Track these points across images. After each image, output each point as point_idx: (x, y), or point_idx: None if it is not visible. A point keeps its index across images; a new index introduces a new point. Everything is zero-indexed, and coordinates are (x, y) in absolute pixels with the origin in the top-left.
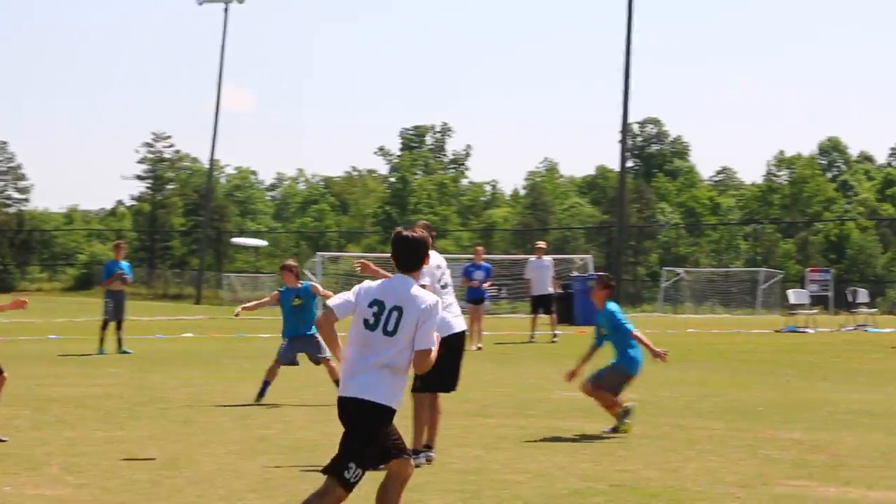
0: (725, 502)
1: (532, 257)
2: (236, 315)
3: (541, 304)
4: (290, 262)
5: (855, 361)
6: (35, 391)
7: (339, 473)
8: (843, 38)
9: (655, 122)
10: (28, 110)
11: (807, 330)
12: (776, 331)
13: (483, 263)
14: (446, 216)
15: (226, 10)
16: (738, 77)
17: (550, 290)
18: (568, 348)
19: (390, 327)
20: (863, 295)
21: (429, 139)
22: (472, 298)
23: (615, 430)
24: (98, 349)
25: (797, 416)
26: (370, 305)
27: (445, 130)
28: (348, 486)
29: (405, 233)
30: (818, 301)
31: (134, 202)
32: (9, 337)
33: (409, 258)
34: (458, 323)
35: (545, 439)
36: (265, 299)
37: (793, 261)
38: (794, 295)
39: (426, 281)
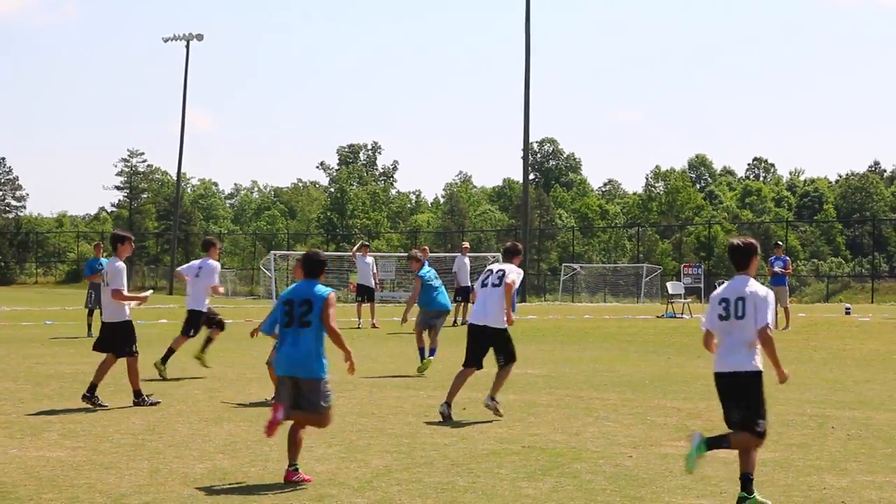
0: (620, 460)
1: (459, 254)
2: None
3: (460, 294)
4: (416, 251)
5: None
6: (35, 369)
7: (752, 430)
8: (707, 69)
9: (552, 141)
10: (23, 130)
11: (683, 316)
12: (657, 316)
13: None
14: (378, 221)
15: (187, 46)
16: (621, 103)
17: (470, 283)
18: None
19: (739, 313)
20: None
21: (362, 155)
22: None
23: None
24: (87, 333)
25: (677, 388)
26: (719, 303)
27: (376, 148)
28: (763, 436)
29: (736, 241)
30: (692, 291)
31: (114, 208)
32: (11, 322)
33: (740, 260)
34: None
35: (467, 409)
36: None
37: (670, 258)
38: (671, 286)
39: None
